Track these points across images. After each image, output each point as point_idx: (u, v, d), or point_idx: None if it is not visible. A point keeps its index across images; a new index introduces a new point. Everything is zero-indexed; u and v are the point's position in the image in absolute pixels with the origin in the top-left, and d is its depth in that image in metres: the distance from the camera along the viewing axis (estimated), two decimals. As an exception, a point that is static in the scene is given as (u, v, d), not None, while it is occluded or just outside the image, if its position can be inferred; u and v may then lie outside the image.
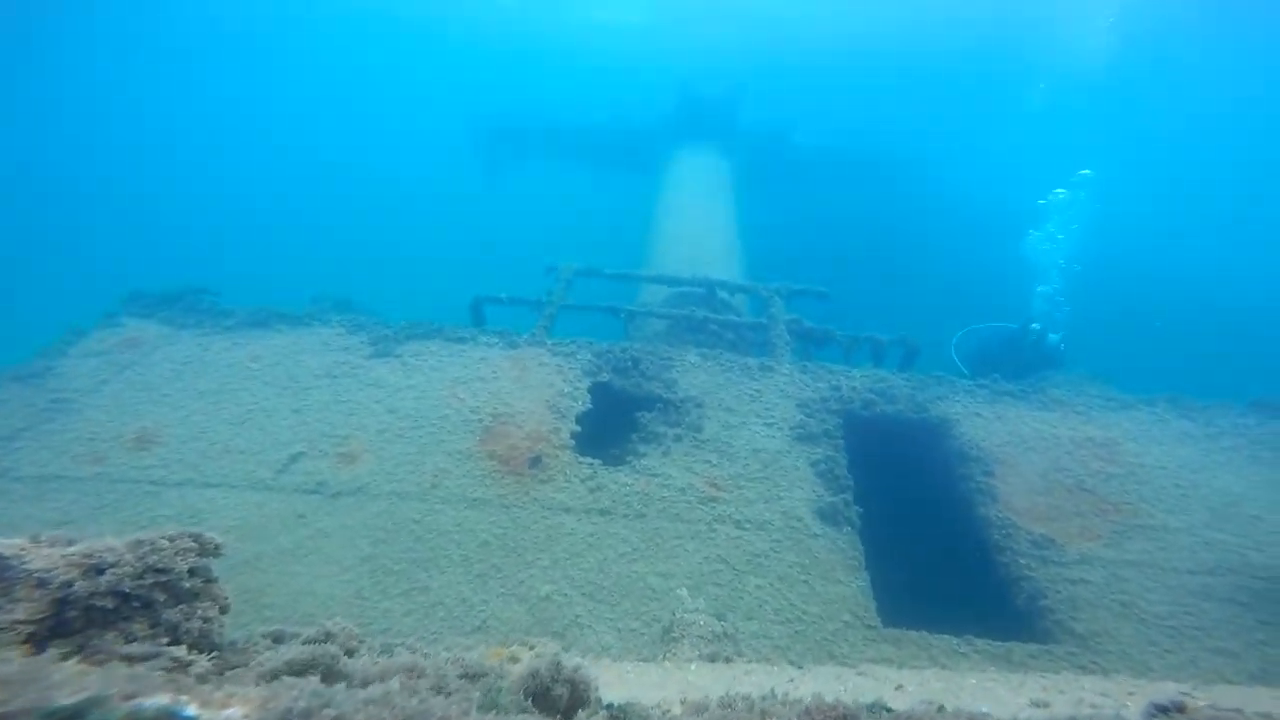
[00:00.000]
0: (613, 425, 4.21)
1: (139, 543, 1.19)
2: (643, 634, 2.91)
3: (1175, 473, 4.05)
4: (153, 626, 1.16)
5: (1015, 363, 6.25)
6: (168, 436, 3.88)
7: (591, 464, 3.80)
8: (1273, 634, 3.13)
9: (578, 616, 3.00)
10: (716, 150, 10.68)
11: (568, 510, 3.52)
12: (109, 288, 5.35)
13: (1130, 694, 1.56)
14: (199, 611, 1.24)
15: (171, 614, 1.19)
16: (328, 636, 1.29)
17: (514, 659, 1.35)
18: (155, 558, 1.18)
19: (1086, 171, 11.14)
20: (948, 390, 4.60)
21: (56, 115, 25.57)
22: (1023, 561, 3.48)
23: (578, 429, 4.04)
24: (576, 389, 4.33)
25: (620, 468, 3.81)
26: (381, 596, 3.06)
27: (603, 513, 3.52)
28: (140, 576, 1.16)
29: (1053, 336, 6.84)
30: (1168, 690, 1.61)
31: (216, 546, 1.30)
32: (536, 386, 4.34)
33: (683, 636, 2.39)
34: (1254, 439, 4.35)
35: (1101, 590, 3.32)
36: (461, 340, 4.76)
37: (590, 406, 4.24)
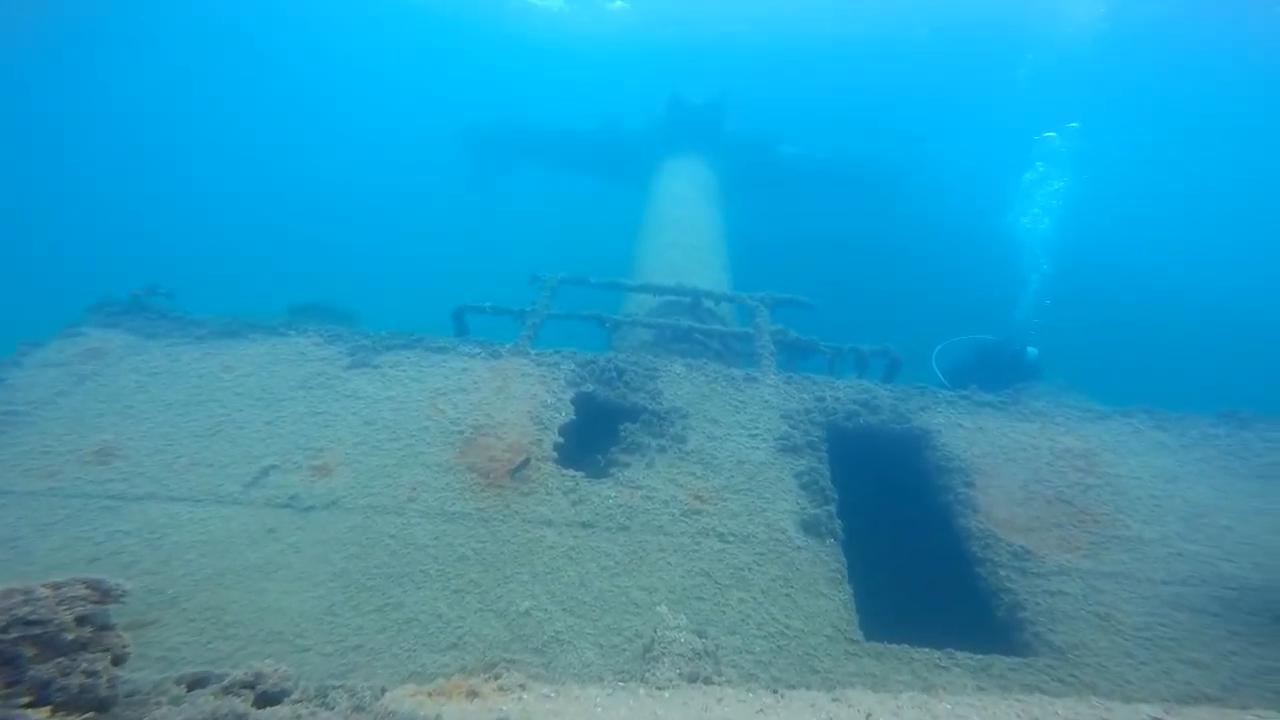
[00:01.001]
0: (597, 436, 4.16)
1: (9, 593, 1.08)
2: (624, 650, 2.86)
3: (1150, 483, 4.12)
4: (10, 685, 1.05)
5: (994, 374, 6.35)
6: (130, 449, 3.74)
7: (574, 476, 3.75)
8: (1242, 645, 3.17)
9: (558, 633, 2.94)
10: (703, 158, 10.76)
11: (549, 523, 3.46)
12: (77, 296, 5.14)
13: (1104, 719, 1.56)
14: (82, 665, 1.12)
15: (43, 669, 1.08)
16: (258, 678, 1.20)
17: (473, 694, 1.31)
18: (28, 609, 1.07)
19: (1075, 124, 11.51)
20: (930, 401, 4.63)
21: (30, 116, 24.94)
22: (1002, 573, 3.50)
23: (560, 440, 3.99)
24: (559, 400, 4.29)
25: (603, 480, 3.76)
26: (354, 613, 2.98)
27: (585, 526, 3.47)
28: (3, 630, 1.05)
29: (1031, 350, 6.98)
30: (1141, 714, 1.61)
31: (122, 592, 1.20)
32: (519, 397, 4.28)
33: (663, 655, 2.35)
34: (1224, 450, 4.44)
35: (1079, 602, 3.35)
36: (442, 350, 4.68)
37: (573, 418, 4.19)
